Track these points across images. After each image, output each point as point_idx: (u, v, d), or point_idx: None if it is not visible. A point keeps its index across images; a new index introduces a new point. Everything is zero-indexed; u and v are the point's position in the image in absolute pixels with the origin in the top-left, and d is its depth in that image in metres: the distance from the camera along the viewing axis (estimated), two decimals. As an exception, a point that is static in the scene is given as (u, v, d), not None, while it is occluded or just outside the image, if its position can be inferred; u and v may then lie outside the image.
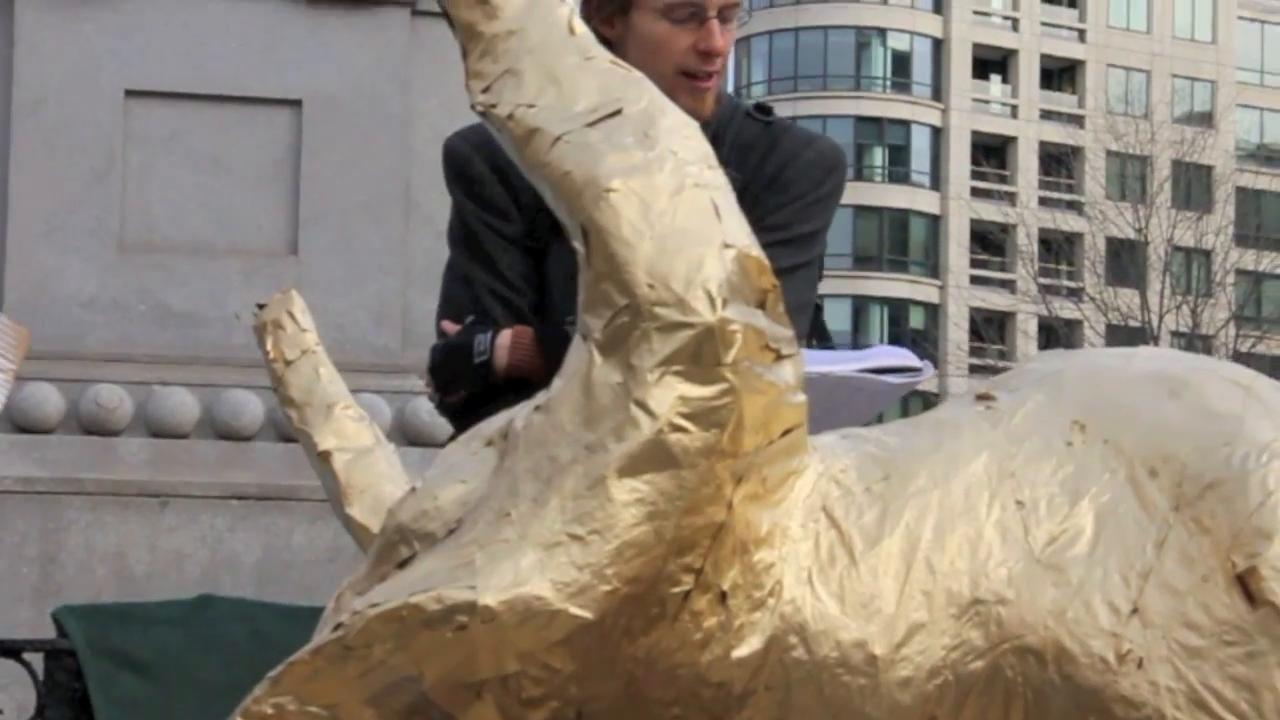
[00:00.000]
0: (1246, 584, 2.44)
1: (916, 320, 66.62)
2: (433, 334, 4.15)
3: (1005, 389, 2.75)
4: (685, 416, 2.49)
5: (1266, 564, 2.43)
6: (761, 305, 2.55)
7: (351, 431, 3.05)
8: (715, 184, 2.58)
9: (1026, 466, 2.59)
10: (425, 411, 7.13)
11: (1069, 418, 2.63)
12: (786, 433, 2.59)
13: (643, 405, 2.49)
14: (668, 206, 2.53)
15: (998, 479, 2.59)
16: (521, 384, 3.43)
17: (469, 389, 3.85)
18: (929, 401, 38.28)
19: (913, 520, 2.58)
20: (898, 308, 66.84)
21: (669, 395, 2.49)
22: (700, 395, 2.50)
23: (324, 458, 3.03)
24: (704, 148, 2.61)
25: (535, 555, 2.48)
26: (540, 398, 2.61)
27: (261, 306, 3.12)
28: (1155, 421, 2.59)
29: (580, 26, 2.64)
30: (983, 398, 2.75)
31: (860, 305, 65.02)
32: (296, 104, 7.95)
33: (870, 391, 3.83)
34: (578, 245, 2.55)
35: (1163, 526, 2.50)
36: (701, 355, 2.49)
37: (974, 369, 61.28)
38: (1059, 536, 2.54)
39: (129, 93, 7.84)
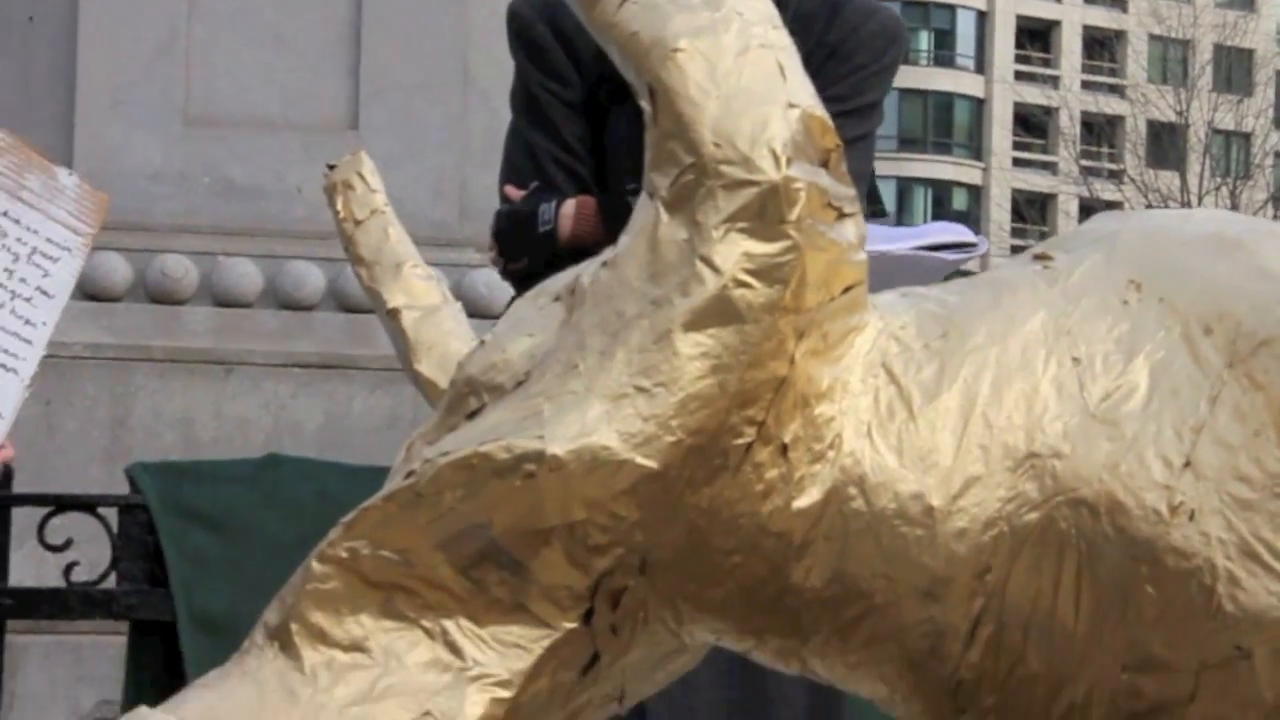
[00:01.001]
0: (1299, 438, 2.43)
1: (960, 201, 66.43)
2: (489, 209, 4.15)
3: (1062, 249, 2.74)
4: (749, 272, 2.49)
5: (1319, 418, 2.43)
6: (825, 164, 2.54)
7: (420, 290, 3.05)
8: (780, 44, 2.57)
9: (1082, 324, 2.59)
10: (482, 284, 7.16)
11: (1125, 277, 2.62)
12: (847, 290, 2.58)
13: (708, 261, 2.48)
14: (733, 66, 2.52)
15: (1054, 336, 2.58)
16: (584, 253, 3.44)
17: (533, 257, 3.86)
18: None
19: (970, 376, 2.58)
20: (942, 189, 66.64)
21: (734, 251, 2.49)
22: (764, 251, 2.49)
23: (393, 315, 3.03)
24: (769, 9, 2.60)
25: (602, 406, 2.49)
26: (607, 254, 2.61)
27: (332, 168, 3.11)
28: (1210, 280, 2.58)
29: (646, -112, 2.62)
30: (1040, 257, 2.74)
31: (905, 186, 64.82)
32: (357, -25, 7.93)
33: (926, 267, 3.84)
34: (644, 105, 2.55)
35: (1216, 383, 2.49)
36: (766, 212, 2.49)
37: (1015, 249, 61.00)
38: (1114, 392, 2.53)
39: (193, -34, 7.84)
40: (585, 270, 2.64)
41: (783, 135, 2.51)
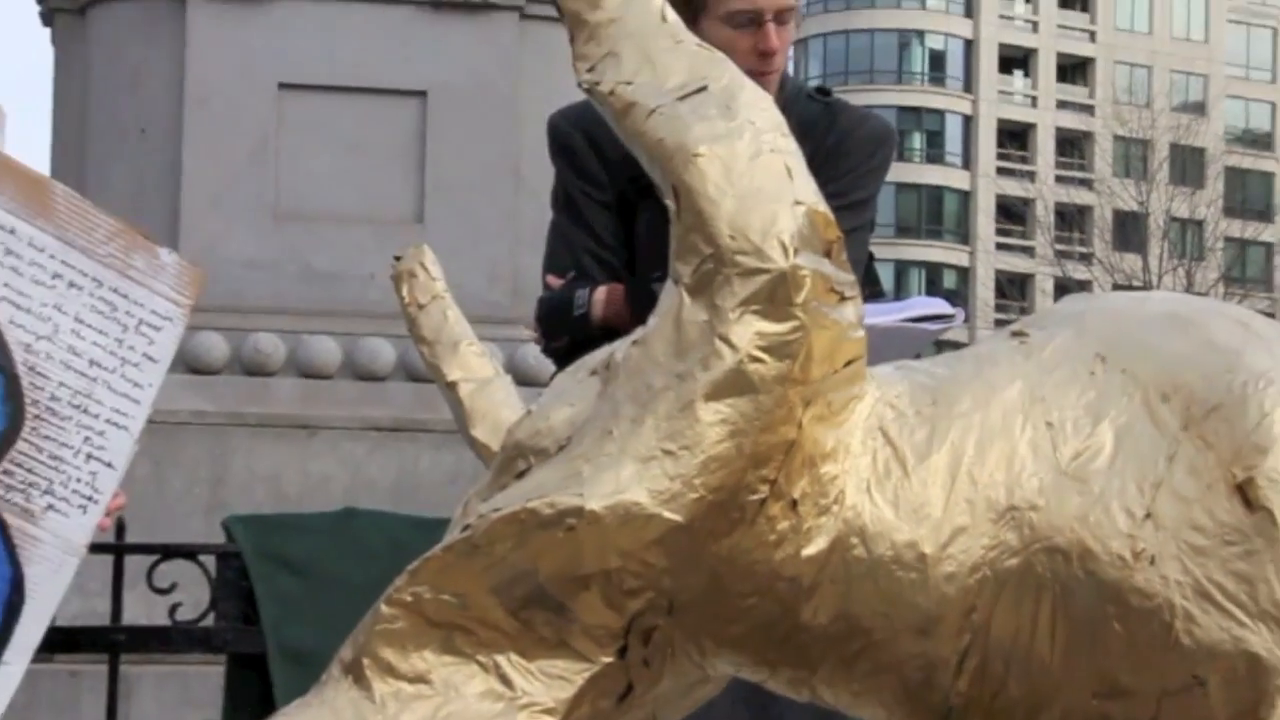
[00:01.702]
0: (1245, 492, 2.41)
1: (949, 281, 66.41)
2: (538, 289, 4.15)
3: (1037, 326, 2.74)
4: (762, 349, 2.48)
5: (1263, 475, 2.41)
6: (828, 254, 2.54)
7: (475, 365, 3.05)
8: (788, 149, 2.57)
9: (1055, 392, 2.58)
10: (531, 357, 7.16)
11: (1092, 351, 2.61)
12: (849, 363, 2.57)
13: (725, 339, 2.48)
14: (747, 169, 2.51)
15: (1030, 403, 2.57)
16: (614, 333, 3.43)
17: (571, 337, 3.85)
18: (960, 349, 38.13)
19: (957, 438, 2.57)
20: (933, 270, 66.65)
21: (748, 331, 2.48)
22: (775, 331, 2.49)
23: (452, 387, 3.03)
24: (778, 118, 2.60)
25: (634, 467, 2.48)
26: (638, 333, 2.60)
27: (398, 259, 3.11)
28: (1167, 353, 2.57)
29: (671, 15, 2.62)
30: (1017, 334, 2.74)
31: (901, 268, 64.83)
32: (422, 94, 7.97)
33: (911, 336, 3.83)
34: (669, 203, 2.54)
35: (1173, 443, 2.48)
36: (776, 296, 2.48)
37: (998, 322, 61.00)
38: (1083, 452, 2.52)
39: (281, 85, 7.88)
40: (618, 348, 2.63)
41: (790, 229, 2.50)
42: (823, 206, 2.54)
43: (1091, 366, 2.59)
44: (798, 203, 2.52)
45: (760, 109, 2.58)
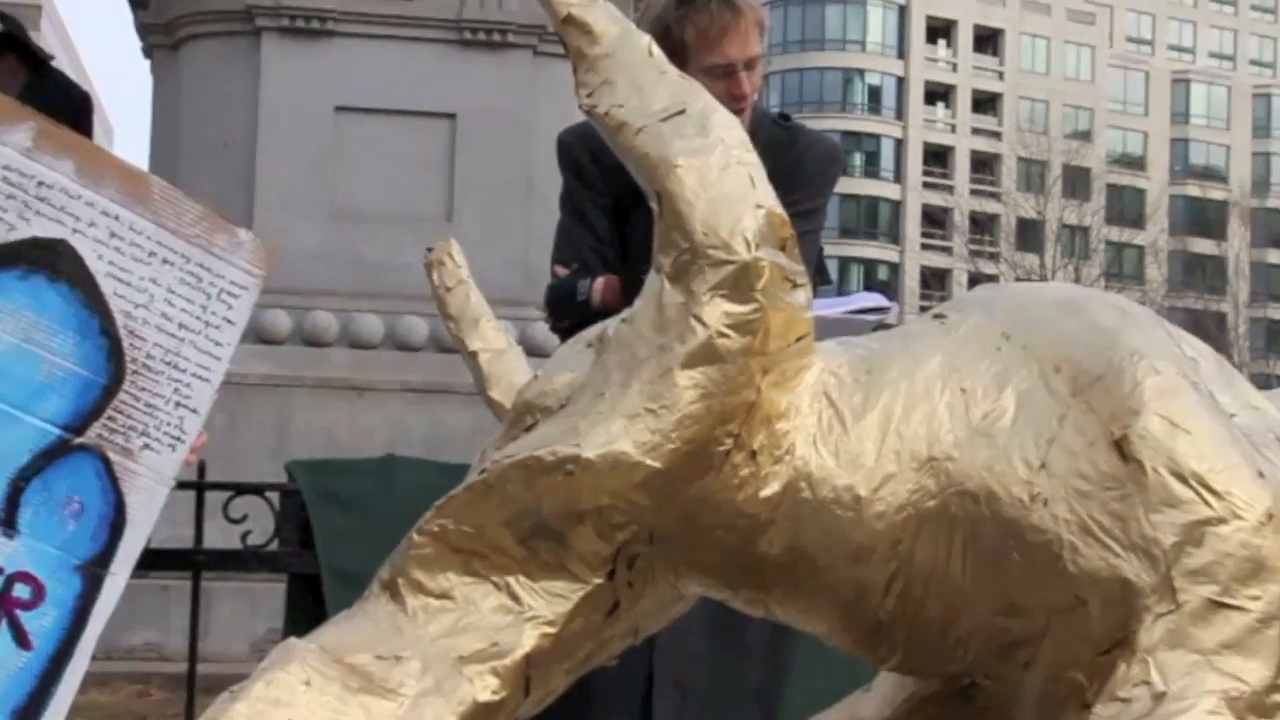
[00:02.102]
0: (1121, 447, 2.40)
1: (883, 275, 66.40)
2: (548, 278, 4.12)
3: (954, 310, 2.72)
4: (729, 326, 2.46)
5: (1135, 433, 2.39)
6: (783, 249, 2.52)
7: (492, 338, 3.02)
8: (752, 163, 2.54)
9: (968, 364, 2.56)
10: (541, 333, 7.13)
11: (999, 330, 2.59)
12: (799, 339, 2.55)
13: (699, 318, 2.46)
14: (718, 178, 2.49)
15: (948, 372, 2.56)
16: (611, 314, 3.41)
17: (574, 318, 3.82)
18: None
19: (887, 401, 2.55)
20: (870, 266, 66.64)
21: (717, 311, 2.46)
22: (739, 311, 2.46)
23: (473, 356, 3.01)
24: (744, 137, 2.57)
25: (622, 423, 2.46)
26: (626, 313, 2.58)
27: (430, 250, 3.09)
28: (1059, 332, 2.55)
29: (656, 50, 2.60)
30: (938, 316, 2.72)
31: (844, 264, 64.77)
32: (452, 116, 7.95)
33: (853, 326, 3.80)
34: (653, 205, 2.52)
35: (1064, 406, 2.46)
36: (740, 283, 2.46)
37: (923, 309, 60.98)
38: (990, 413, 2.50)
39: (338, 108, 7.86)
40: (610, 324, 2.61)
41: (753, 227, 2.48)
42: (780, 209, 2.52)
43: (998, 343, 2.57)
44: (759, 206, 2.49)
45: (730, 129, 2.55)
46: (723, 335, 2.45)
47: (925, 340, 2.63)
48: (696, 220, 2.46)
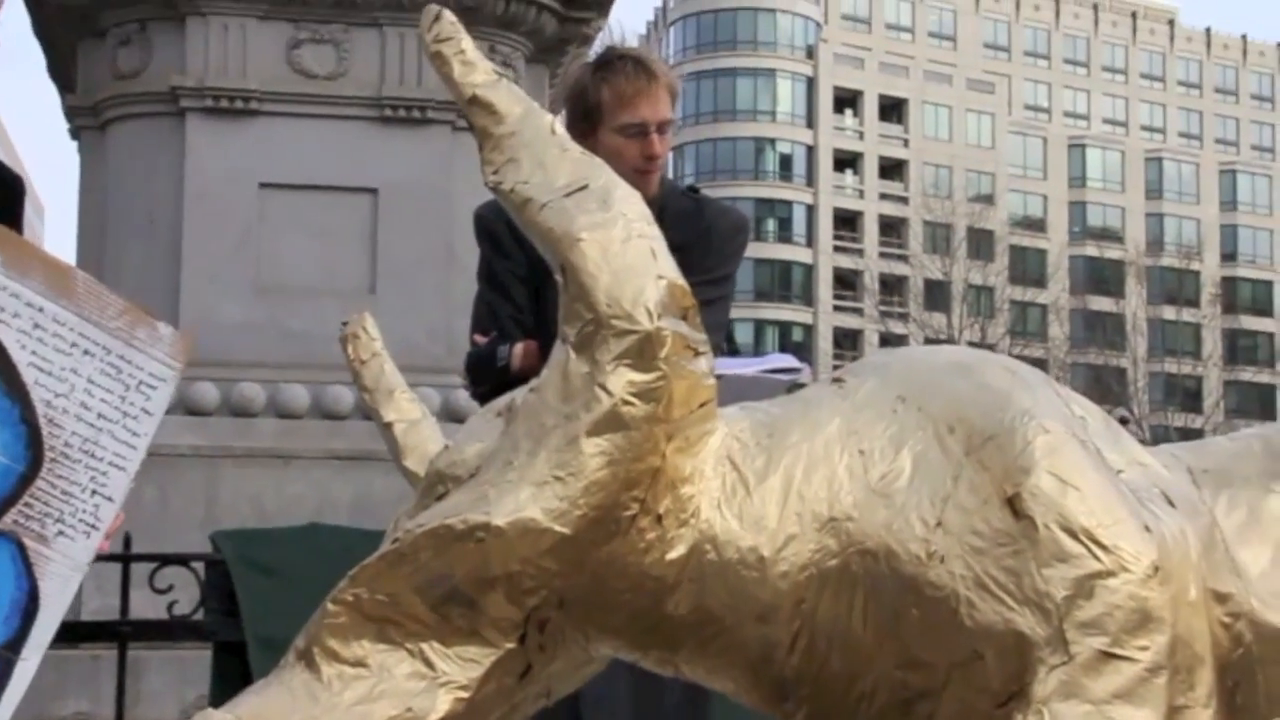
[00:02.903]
0: (1013, 505, 2.41)
1: (797, 336, 66.70)
2: (467, 346, 4.11)
3: (851, 374, 2.72)
4: (633, 394, 2.46)
5: (1026, 490, 2.40)
6: (684, 318, 2.52)
7: (406, 408, 3.00)
8: (653, 235, 2.55)
9: (865, 426, 2.56)
10: (463, 399, 7.10)
11: (895, 393, 2.60)
12: (702, 405, 2.55)
13: (603, 387, 2.45)
14: (620, 250, 2.49)
15: (846, 435, 2.56)
16: (529, 379, 3.40)
17: (493, 383, 3.81)
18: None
19: (789, 464, 2.55)
20: (784, 328, 66.93)
21: (621, 380, 2.45)
22: (643, 379, 2.46)
23: (388, 427, 2.98)
24: (645, 211, 2.58)
25: (530, 490, 2.44)
26: (534, 382, 2.57)
27: (345, 324, 3.07)
28: (952, 394, 2.56)
29: (559, 128, 2.60)
30: (836, 380, 2.72)
31: (759, 326, 65.05)
32: (374, 191, 7.92)
33: (767, 385, 3.80)
34: (559, 278, 2.52)
35: (958, 466, 2.47)
36: (644, 352, 2.46)
37: (836, 368, 61.24)
38: (888, 474, 2.51)
39: (262, 184, 7.81)
40: (519, 394, 2.60)
41: (655, 298, 2.48)
42: (681, 280, 2.52)
43: (894, 405, 2.58)
44: (660, 277, 2.50)
45: (631, 203, 2.56)
46: (627, 403, 2.45)
47: (824, 404, 2.63)
48: (600, 292, 2.46)
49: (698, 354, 2.53)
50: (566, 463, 2.44)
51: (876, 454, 2.52)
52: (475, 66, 2.58)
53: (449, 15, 2.61)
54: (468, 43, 2.59)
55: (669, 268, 2.52)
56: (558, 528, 2.43)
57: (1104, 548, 2.36)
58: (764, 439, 2.59)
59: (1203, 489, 2.59)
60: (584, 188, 2.53)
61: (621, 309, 2.45)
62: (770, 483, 2.53)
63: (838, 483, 2.51)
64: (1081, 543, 2.36)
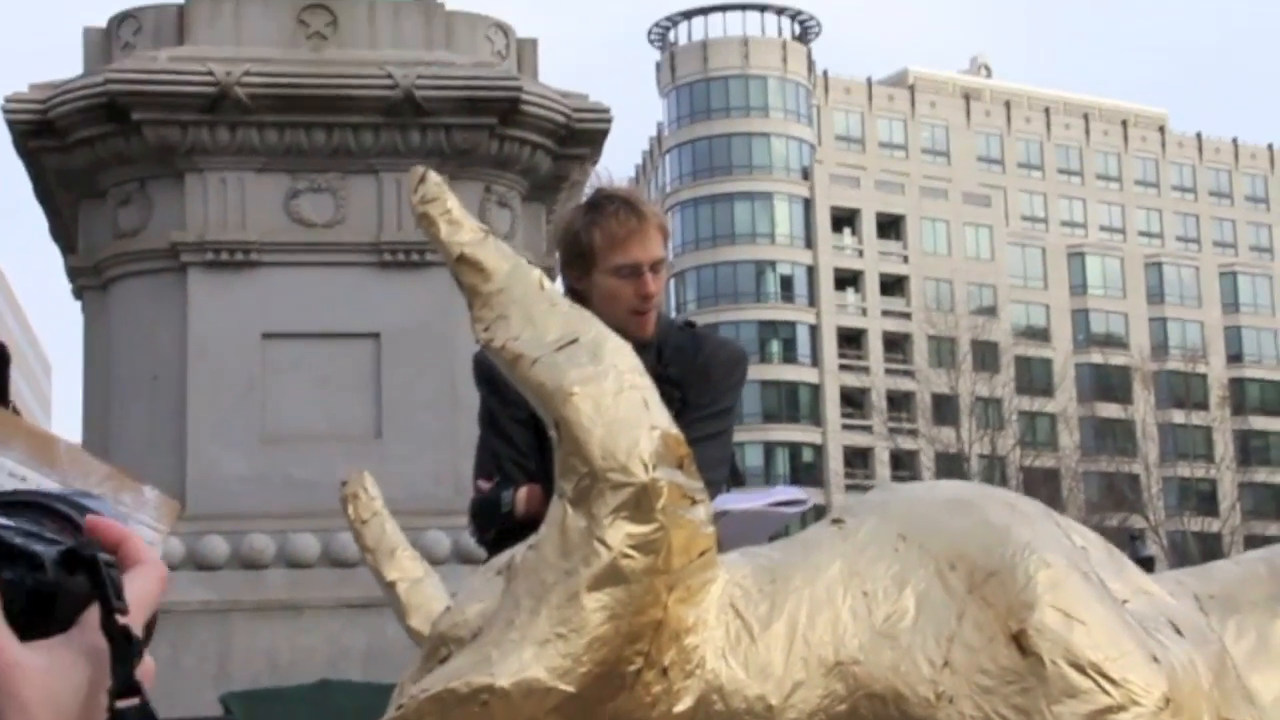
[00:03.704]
0: (1020, 641, 2.39)
1: (808, 457, 66.56)
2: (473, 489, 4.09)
3: (850, 514, 2.71)
4: (632, 547, 2.45)
5: (1032, 626, 2.39)
6: (680, 467, 2.51)
7: (409, 567, 2.99)
8: (645, 385, 2.55)
9: (867, 567, 2.55)
10: (473, 542, 7.06)
11: (895, 531, 2.59)
12: (703, 554, 2.54)
13: (602, 541, 2.44)
14: (612, 403, 2.49)
15: (849, 577, 2.55)
16: (535, 524, 3.39)
17: (499, 530, 3.79)
18: (820, 512, 38.18)
19: (792, 609, 2.53)
20: (794, 449, 66.79)
21: (619, 533, 2.44)
22: (641, 532, 2.45)
23: (390, 586, 2.97)
24: (635, 361, 2.58)
25: (533, 649, 2.43)
26: (532, 539, 2.56)
27: (344, 484, 3.06)
28: (952, 531, 2.55)
29: (548, 283, 2.61)
30: (836, 520, 2.71)
31: (769, 448, 64.96)
32: (376, 336, 7.95)
33: (773, 519, 3.79)
34: (552, 433, 2.52)
35: (961, 604, 2.45)
36: (641, 504, 2.45)
37: (849, 487, 61.20)
38: (892, 614, 2.49)
39: (264, 335, 7.85)
40: (518, 551, 2.59)
41: (649, 449, 2.48)
42: (675, 430, 2.52)
43: (895, 544, 2.57)
44: (654, 428, 2.50)
45: (622, 355, 2.56)
46: (626, 556, 2.44)
47: (825, 546, 2.62)
48: (595, 445, 2.46)
49: (695, 502, 2.53)
50: (568, 619, 2.42)
51: (880, 594, 2.51)
52: (462, 225, 2.60)
53: (434, 176, 2.63)
54: (453, 202, 2.62)
55: (662, 418, 2.52)
56: (562, 686, 2.41)
57: (1113, 681, 2.34)
58: (766, 584, 2.57)
59: (1210, 615, 2.57)
60: (574, 341, 2.54)
61: (617, 461, 2.45)
62: (775, 629, 2.51)
63: (842, 626, 2.50)
64: (1090, 677, 2.34)
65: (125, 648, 1.05)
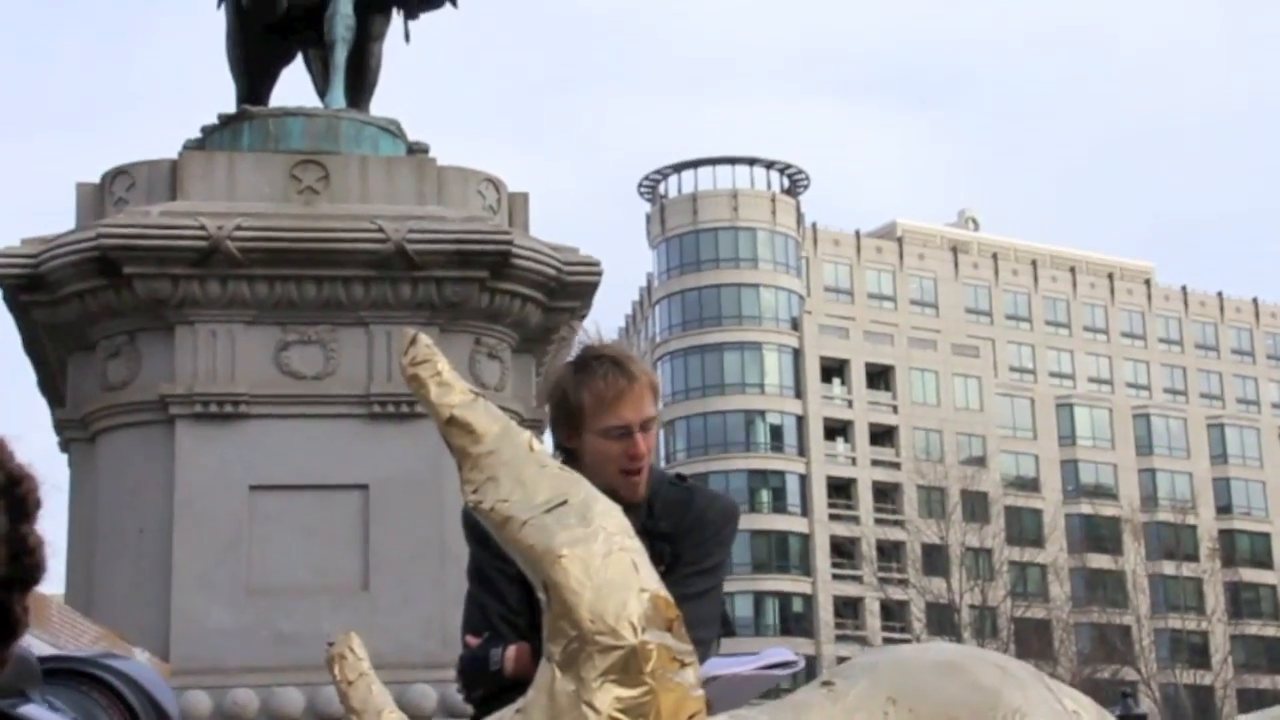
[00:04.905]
0: (1013, 808, 2.37)
1: (798, 607, 66.15)
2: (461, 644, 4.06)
3: (841, 676, 2.70)
4: (620, 711, 2.43)
5: (1025, 791, 2.37)
6: (669, 630, 2.50)
7: (394, 729, 2.96)
8: (634, 548, 2.55)
9: (857, 731, 2.53)
10: (460, 698, 7.00)
11: (885, 694, 2.58)
12: (692, 717, 2.52)
13: (590, 705, 2.43)
14: (601, 565, 2.49)
15: (839, 741, 2.53)
16: (524, 683, 3.36)
17: (487, 688, 3.76)
18: (811, 669, 37.81)
19: (782, 774, 2.51)
20: (784, 599, 66.41)
21: (608, 696, 2.43)
22: (630, 695, 2.44)
23: (376, 749, 2.94)
24: (626, 524, 2.58)
25: (523, 814, 2.40)
26: (520, 702, 2.54)
27: (330, 645, 3.04)
28: (943, 694, 2.54)
29: (537, 445, 2.62)
30: (826, 683, 2.70)
31: (759, 598, 64.59)
32: (364, 487, 7.95)
33: (763, 680, 3.77)
34: (541, 595, 2.51)
35: (953, 769, 2.44)
36: (629, 667, 2.44)
37: (839, 638, 60.75)
38: (883, 779, 2.47)
39: (251, 486, 7.85)
40: (504, 716, 2.57)
41: (638, 612, 2.47)
42: (664, 592, 2.51)
43: (885, 708, 2.56)
44: (643, 590, 2.49)
45: (611, 517, 2.56)
46: (615, 720, 2.42)
47: (815, 709, 2.61)
48: (584, 608, 2.45)
49: (684, 665, 2.51)
50: (557, 785, 2.39)
51: (870, 759, 2.49)
52: (452, 387, 2.61)
53: (424, 339, 2.65)
54: (444, 364, 2.63)
55: (652, 580, 2.52)
56: (553, 847, 2.38)
57: None
58: (755, 748, 2.55)
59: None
60: (564, 503, 2.54)
61: (605, 624, 2.44)
62: (764, 793, 2.49)
63: (833, 790, 2.47)
64: (1081, 845, 2.32)
65: None
